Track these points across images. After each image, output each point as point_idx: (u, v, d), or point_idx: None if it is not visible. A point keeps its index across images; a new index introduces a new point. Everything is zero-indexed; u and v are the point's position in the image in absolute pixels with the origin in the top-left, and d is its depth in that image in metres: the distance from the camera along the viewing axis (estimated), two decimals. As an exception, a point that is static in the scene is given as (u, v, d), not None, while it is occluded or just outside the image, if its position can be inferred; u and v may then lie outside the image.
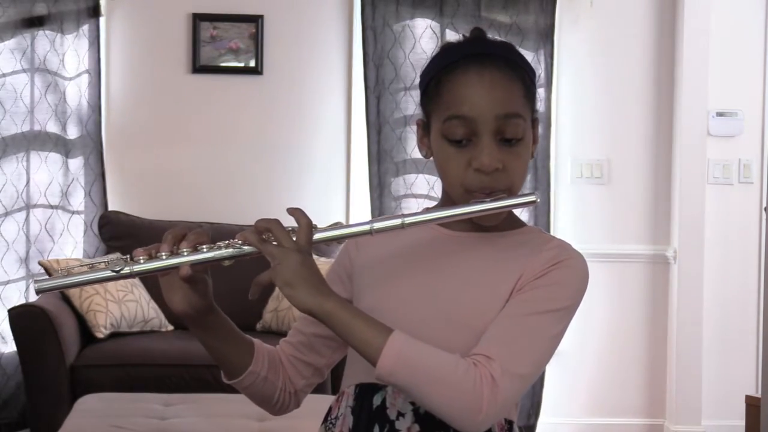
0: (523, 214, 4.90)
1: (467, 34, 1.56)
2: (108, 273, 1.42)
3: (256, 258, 1.45)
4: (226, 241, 1.44)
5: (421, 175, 4.98)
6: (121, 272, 1.41)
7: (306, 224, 1.43)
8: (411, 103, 4.92)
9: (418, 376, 1.39)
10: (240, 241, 1.43)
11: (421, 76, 1.56)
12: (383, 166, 4.96)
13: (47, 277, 1.45)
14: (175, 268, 1.43)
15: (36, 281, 1.43)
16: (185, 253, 1.43)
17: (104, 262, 1.42)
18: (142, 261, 1.43)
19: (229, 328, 1.56)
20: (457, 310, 1.49)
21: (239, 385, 1.59)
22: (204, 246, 1.44)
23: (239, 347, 1.57)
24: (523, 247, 1.53)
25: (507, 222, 1.56)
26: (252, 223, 4.84)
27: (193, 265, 1.43)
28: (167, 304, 1.49)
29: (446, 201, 1.55)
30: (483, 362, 1.40)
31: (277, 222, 1.43)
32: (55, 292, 4.34)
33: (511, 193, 1.49)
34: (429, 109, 1.53)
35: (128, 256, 1.44)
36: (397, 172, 4.97)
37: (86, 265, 1.43)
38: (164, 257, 1.43)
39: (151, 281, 1.48)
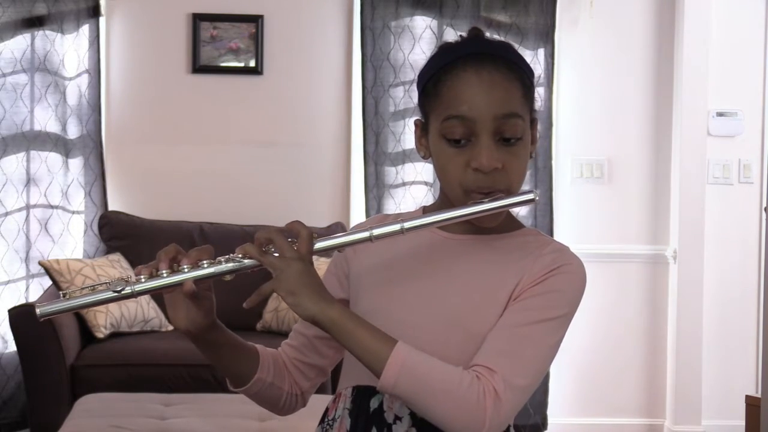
0: (523, 215, 4.90)
1: (463, 33, 1.56)
2: (109, 294, 1.42)
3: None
4: (227, 256, 1.44)
5: (419, 175, 4.98)
6: (123, 292, 1.42)
7: (307, 234, 1.43)
8: (410, 104, 4.93)
9: (421, 388, 1.39)
10: (240, 255, 1.43)
11: (419, 76, 1.55)
12: (381, 167, 4.96)
13: (49, 302, 1.45)
14: (177, 285, 1.43)
15: (38, 306, 1.43)
16: (186, 270, 1.42)
17: (106, 283, 1.43)
18: (143, 280, 1.42)
19: (232, 340, 1.55)
20: (455, 314, 1.49)
21: (246, 392, 1.59)
22: (205, 261, 1.43)
23: (243, 357, 1.57)
24: (521, 250, 1.52)
25: (505, 224, 1.55)
26: (251, 222, 4.85)
27: (197, 281, 1.42)
28: (171, 321, 1.48)
29: (444, 202, 1.55)
30: (486, 375, 1.40)
31: (277, 231, 1.43)
32: (56, 292, 4.34)
33: (510, 193, 1.48)
34: (427, 109, 1.52)
35: (129, 276, 1.44)
36: (395, 172, 4.97)
37: (88, 287, 1.43)
38: (165, 275, 1.43)
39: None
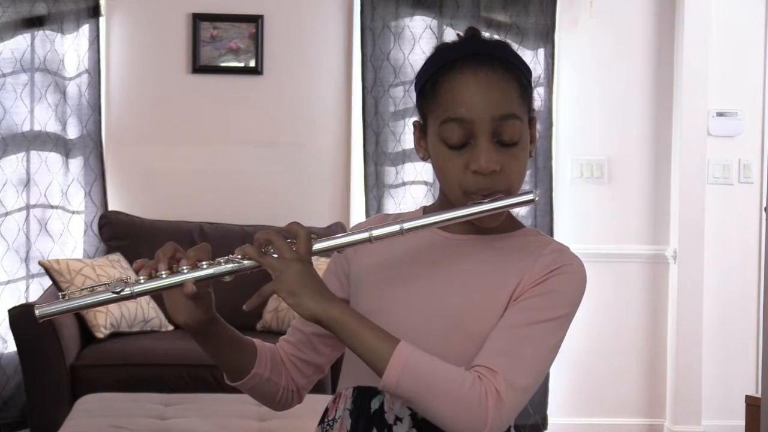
0: (523, 215, 4.90)
1: (460, 33, 1.55)
2: (109, 295, 1.42)
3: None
4: (226, 257, 1.44)
5: (419, 175, 4.98)
6: (122, 294, 1.42)
7: (305, 235, 1.43)
8: (410, 104, 4.92)
9: (423, 388, 1.38)
10: (240, 256, 1.43)
11: (417, 78, 1.55)
12: (381, 167, 4.96)
13: (48, 303, 1.45)
14: (177, 286, 1.43)
15: (37, 308, 1.43)
16: (185, 271, 1.43)
17: (105, 284, 1.43)
18: (142, 281, 1.43)
19: (230, 334, 1.55)
20: (456, 315, 1.49)
21: (243, 386, 1.59)
22: (204, 262, 1.44)
23: (241, 351, 1.57)
24: (521, 251, 1.52)
25: (505, 224, 1.55)
26: (251, 222, 4.84)
27: (196, 281, 1.43)
28: (170, 316, 1.49)
29: (444, 202, 1.55)
30: (487, 375, 1.40)
31: (276, 233, 1.43)
32: (56, 292, 4.34)
33: (510, 193, 1.48)
34: (425, 111, 1.52)
35: (128, 277, 1.44)
36: (395, 172, 4.97)
37: (87, 288, 1.43)
38: (164, 276, 1.43)
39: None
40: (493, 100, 1.45)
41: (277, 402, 1.64)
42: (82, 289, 1.43)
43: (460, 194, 1.48)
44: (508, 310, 1.47)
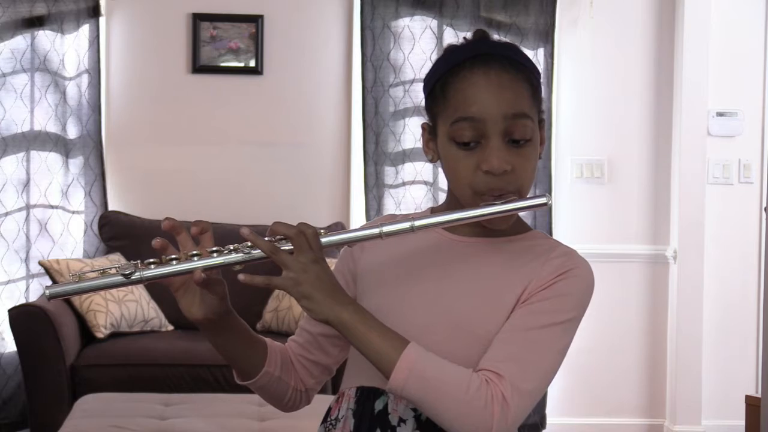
0: (523, 214, 4.89)
1: (467, 35, 1.55)
2: (118, 278, 1.41)
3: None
4: (235, 245, 1.43)
5: (419, 175, 4.98)
6: (132, 277, 1.41)
7: (312, 233, 1.42)
8: (410, 104, 4.93)
9: (429, 391, 1.38)
10: (250, 244, 1.42)
11: (426, 79, 1.54)
12: (381, 167, 4.96)
13: (58, 283, 1.45)
14: (187, 273, 1.42)
15: (47, 287, 1.43)
16: (195, 259, 1.42)
17: (114, 267, 1.42)
18: (152, 266, 1.42)
19: (244, 328, 1.55)
20: (462, 318, 1.48)
21: (253, 385, 1.58)
22: (214, 251, 1.43)
23: (253, 348, 1.56)
24: (528, 254, 1.51)
25: (512, 227, 1.54)
26: (251, 222, 4.80)
27: (206, 269, 1.42)
28: (185, 314, 1.46)
29: (452, 204, 1.54)
30: (494, 380, 1.39)
31: (291, 228, 1.41)
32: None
33: (521, 194, 1.47)
34: (435, 112, 1.51)
35: (138, 261, 1.43)
36: (395, 172, 4.97)
37: (97, 270, 1.43)
38: (174, 263, 1.42)
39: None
40: (505, 99, 1.45)
41: (285, 402, 1.63)
42: (93, 271, 1.43)
43: (471, 195, 1.47)
44: (515, 313, 1.46)
